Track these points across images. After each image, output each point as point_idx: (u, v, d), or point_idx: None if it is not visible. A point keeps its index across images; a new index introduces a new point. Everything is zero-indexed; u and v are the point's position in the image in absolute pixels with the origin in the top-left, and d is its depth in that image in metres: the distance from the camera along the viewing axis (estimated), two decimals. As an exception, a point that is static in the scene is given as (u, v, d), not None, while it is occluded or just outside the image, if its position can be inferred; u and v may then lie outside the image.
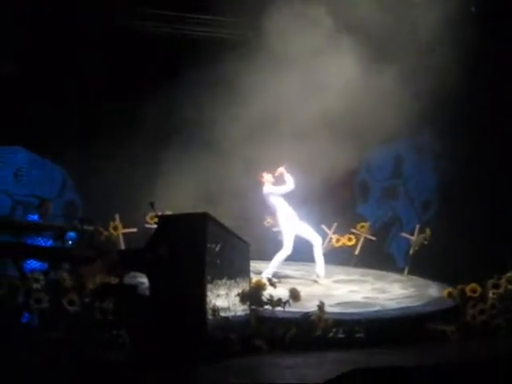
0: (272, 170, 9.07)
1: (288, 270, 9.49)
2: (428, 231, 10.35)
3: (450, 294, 7.81)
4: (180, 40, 10.66)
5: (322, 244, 9.45)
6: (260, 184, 9.06)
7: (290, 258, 9.31)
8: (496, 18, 10.11)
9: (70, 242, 7.96)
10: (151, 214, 9.40)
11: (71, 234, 7.92)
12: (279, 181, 9.07)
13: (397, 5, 9.54)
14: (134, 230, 9.91)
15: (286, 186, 8.97)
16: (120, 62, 10.09)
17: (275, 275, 8.65)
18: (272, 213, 9.28)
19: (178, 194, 9.64)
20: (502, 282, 7.58)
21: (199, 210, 6.37)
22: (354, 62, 9.70)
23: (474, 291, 7.55)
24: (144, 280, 6.17)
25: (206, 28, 10.83)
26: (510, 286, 7.54)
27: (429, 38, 9.61)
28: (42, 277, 6.93)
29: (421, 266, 9.99)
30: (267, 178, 9.06)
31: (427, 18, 9.52)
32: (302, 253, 9.39)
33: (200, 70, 9.80)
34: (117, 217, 9.89)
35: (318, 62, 9.71)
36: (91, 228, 8.28)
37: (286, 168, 9.05)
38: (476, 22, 9.89)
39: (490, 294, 7.54)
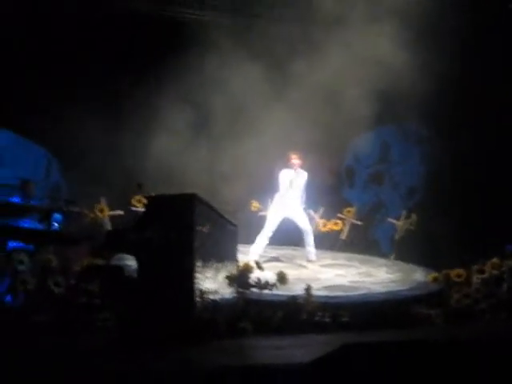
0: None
1: (275, 254, 9.53)
2: (414, 216, 10.39)
3: (435, 279, 7.87)
4: (167, 22, 10.57)
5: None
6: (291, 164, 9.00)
7: (277, 242, 9.35)
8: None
9: (56, 224, 7.90)
10: (137, 196, 9.38)
11: (57, 215, 7.85)
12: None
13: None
14: (121, 212, 9.86)
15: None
16: (107, 41, 10.00)
17: (263, 258, 8.68)
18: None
19: (165, 179, 9.62)
20: (487, 267, 7.63)
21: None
22: (341, 48, 9.71)
23: (459, 276, 7.61)
24: (131, 262, 6.15)
25: (192, 10, 10.76)
26: (494, 272, 7.60)
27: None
28: (26, 258, 6.88)
29: (406, 250, 10.04)
30: (296, 161, 9.02)
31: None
32: (289, 237, 9.43)
33: (187, 52, 9.77)
34: (103, 199, 9.83)
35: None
36: (77, 210, 8.23)
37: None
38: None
39: (475, 279, 7.60)
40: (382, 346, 4.02)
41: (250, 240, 9.02)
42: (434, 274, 7.94)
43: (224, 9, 10.75)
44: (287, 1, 10.34)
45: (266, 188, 9.70)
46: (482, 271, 7.62)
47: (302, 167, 9.09)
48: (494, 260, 7.67)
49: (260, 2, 10.61)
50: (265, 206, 10.21)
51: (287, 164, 9.06)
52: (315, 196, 10.11)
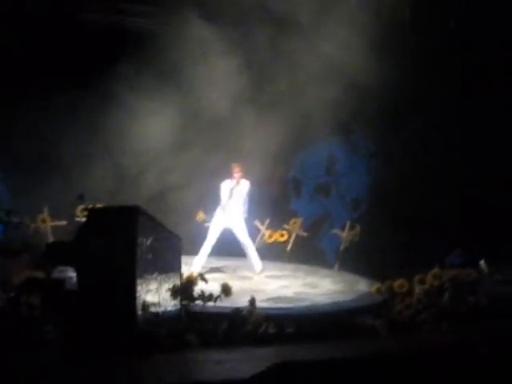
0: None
1: (219, 265, 9.50)
2: (358, 228, 10.52)
3: (378, 290, 7.96)
4: (119, 30, 10.48)
5: (254, 241, 9.57)
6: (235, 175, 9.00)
7: (221, 253, 9.33)
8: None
9: (-5, 235, 7.71)
10: (81, 206, 9.24)
11: (-4, 226, 7.66)
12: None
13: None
14: (64, 222, 9.69)
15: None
16: (58, 49, 9.83)
17: (206, 270, 8.65)
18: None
19: (113, 189, 9.52)
20: (428, 277, 7.77)
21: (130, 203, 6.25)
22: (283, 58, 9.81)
23: (401, 287, 7.72)
24: (73, 274, 6.02)
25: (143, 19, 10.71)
26: (435, 282, 7.74)
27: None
28: (-37, 271, 6.68)
29: (351, 261, 10.16)
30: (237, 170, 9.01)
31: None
32: (233, 248, 9.42)
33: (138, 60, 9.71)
34: (45, 209, 9.64)
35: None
36: (17, 220, 8.05)
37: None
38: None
39: (417, 290, 7.72)
40: (318, 362, 4.04)
41: (196, 251, 8.98)
42: (377, 285, 8.03)
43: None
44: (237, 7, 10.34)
45: (215, 199, 9.68)
46: (423, 282, 7.76)
47: (243, 177, 9.09)
48: (435, 270, 7.81)
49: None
50: (211, 217, 10.17)
51: (229, 174, 9.07)
52: (262, 206, 10.15)
